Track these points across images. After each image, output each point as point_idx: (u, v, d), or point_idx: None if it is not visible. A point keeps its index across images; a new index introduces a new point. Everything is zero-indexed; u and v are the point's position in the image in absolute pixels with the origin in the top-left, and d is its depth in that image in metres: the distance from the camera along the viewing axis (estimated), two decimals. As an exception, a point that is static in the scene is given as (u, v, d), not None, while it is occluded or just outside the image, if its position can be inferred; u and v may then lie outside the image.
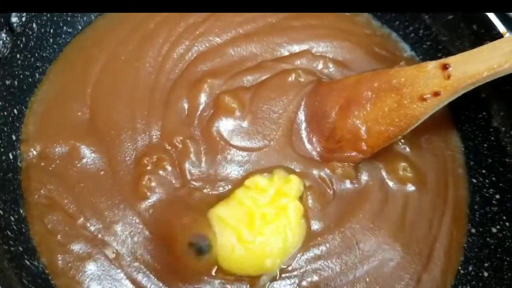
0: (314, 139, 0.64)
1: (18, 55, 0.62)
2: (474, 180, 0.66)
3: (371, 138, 0.60)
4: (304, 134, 0.65)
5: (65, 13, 0.69)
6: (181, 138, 0.63)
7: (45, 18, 0.66)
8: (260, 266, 0.57)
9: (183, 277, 0.57)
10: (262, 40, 0.70)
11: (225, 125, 0.65)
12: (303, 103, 0.66)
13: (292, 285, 0.58)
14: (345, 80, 0.65)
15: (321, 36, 0.72)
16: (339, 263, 0.60)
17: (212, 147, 0.63)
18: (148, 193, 0.60)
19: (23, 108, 0.64)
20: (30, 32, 0.63)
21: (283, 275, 0.58)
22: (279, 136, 0.65)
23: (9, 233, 0.55)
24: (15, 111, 0.62)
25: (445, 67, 0.55)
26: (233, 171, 0.63)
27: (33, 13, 0.63)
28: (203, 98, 0.66)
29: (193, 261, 0.57)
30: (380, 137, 0.60)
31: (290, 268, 0.59)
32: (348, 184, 0.63)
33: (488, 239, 0.62)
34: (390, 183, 0.64)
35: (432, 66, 0.56)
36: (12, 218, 0.57)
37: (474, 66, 0.54)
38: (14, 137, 0.62)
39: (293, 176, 0.61)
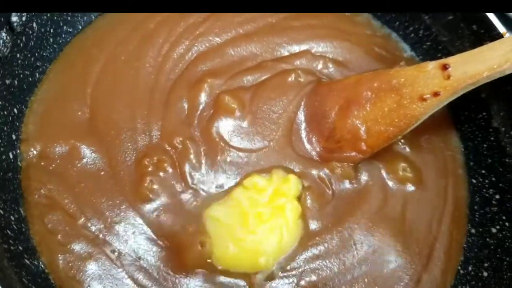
0: (313, 139, 0.64)
1: (18, 55, 0.62)
2: (474, 181, 0.66)
3: (371, 138, 0.60)
4: (303, 134, 0.65)
5: (65, 13, 0.69)
6: (180, 138, 0.63)
7: (45, 17, 0.66)
8: (254, 263, 0.57)
9: (185, 276, 0.57)
10: (262, 40, 0.70)
11: (225, 126, 0.65)
12: (302, 103, 0.66)
13: (291, 285, 0.58)
14: (345, 80, 0.65)
15: (321, 36, 0.72)
16: (337, 263, 0.60)
17: (212, 148, 0.63)
18: (151, 195, 0.60)
19: (23, 107, 0.64)
20: (30, 32, 0.63)
21: (281, 275, 0.58)
22: (278, 136, 0.65)
23: (9, 232, 0.55)
24: (15, 110, 0.62)
25: (445, 67, 0.55)
26: (233, 172, 0.63)
27: (33, 13, 0.63)
28: (203, 98, 0.66)
29: (195, 261, 0.57)
30: (380, 137, 0.59)
31: (288, 267, 0.59)
32: (347, 184, 0.63)
33: (487, 239, 0.62)
34: (390, 183, 0.64)
35: (432, 66, 0.56)
36: (12, 218, 0.57)
37: (474, 67, 0.54)
38: (14, 137, 0.62)
39: (291, 176, 0.61)
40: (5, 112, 0.60)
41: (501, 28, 0.62)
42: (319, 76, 0.68)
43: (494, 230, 0.62)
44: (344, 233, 0.61)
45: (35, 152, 0.62)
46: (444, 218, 0.64)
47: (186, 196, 0.61)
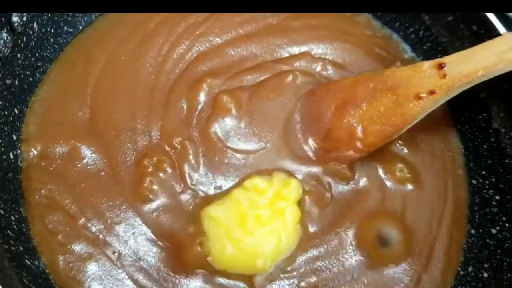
0: (310, 140, 0.64)
1: (19, 55, 0.62)
2: (474, 181, 0.66)
3: (367, 137, 0.60)
4: (300, 135, 0.65)
5: (65, 13, 0.69)
6: (180, 139, 0.63)
7: (46, 17, 0.66)
8: (251, 265, 0.57)
9: (185, 277, 0.57)
10: (262, 41, 0.70)
11: (223, 126, 0.64)
12: (299, 104, 0.66)
13: (291, 286, 0.58)
14: (342, 81, 0.65)
15: (321, 37, 0.72)
16: (337, 264, 0.60)
17: (210, 149, 0.63)
18: (150, 196, 0.60)
19: (23, 107, 0.64)
20: (31, 32, 0.63)
21: (282, 276, 0.59)
22: (275, 137, 0.65)
23: (9, 232, 0.55)
24: (16, 110, 0.62)
25: (440, 66, 0.55)
26: (231, 173, 0.63)
27: (34, 13, 0.63)
28: (202, 98, 0.66)
29: (195, 262, 0.57)
30: (376, 136, 0.59)
31: (289, 269, 0.59)
32: (345, 186, 0.63)
33: (487, 240, 0.62)
34: (388, 184, 0.64)
35: (427, 65, 0.56)
36: (12, 218, 0.57)
37: (469, 65, 0.54)
38: (14, 137, 0.62)
39: (292, 179, 0.61)
40: (6, 112, 0.60)
41: (501, 28, 0.61)
42: (317, 78, 0.68)
43: (494, 231, 0.62)
44: (343, 234, 0.61)
45: (35, 152, 0.62)
46: (444, 219, 0.64)
47: (185, 197, 0.61)
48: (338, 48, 0.71)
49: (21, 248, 0.55)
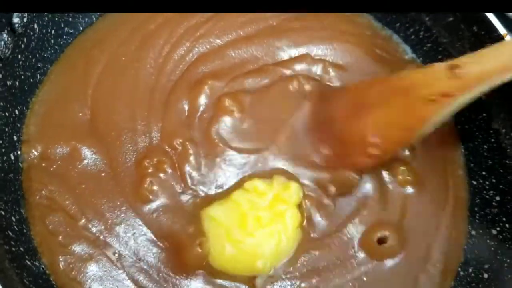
0: (320, 145, 0.63)
1: (19, 56, 0.62)
2: (474, 182, 0.66)
3: (381, 143, 0.58)
4: (309, 140, 0.64)
5: (66, 14, 0.69)
6: (180, 140, 0.63)
7: (46, 19, 0.66)
8: (251, 266, 0.57)
9: (185, 278, 0.57)
10: (262, 42, 0.70)
11: (225, 128, 0.64)
12: (306, 108, 0.65)
13: (292, 286, 0.58)
14: (354, 85, 0.64)
15: (321, 38, 0.71)
16: (338, 265, 0.60)
17: (211, 150, 0.63)
18: (151, 196, 0.60)
19: (24, 108, 0.64)
20: (32, 33, 0.64)
21: (283, 277, 0.59)
22: (279, 141, 0.64)
23: (10, 233, 0.55)
24: (16, 111, 0.62)
25: (455, 67, 0.53)
26: (232, 174, 0.63)
27: (34, 14, 0.63)
28: (203, 100, 0.66)
29: (195, 262, 0.57)
30: (390, 141, 0.58)
31: (290, 269, 0.59)
32: (350, 192, 0.63)
33: (488, 241, 0.62)
34: (390, 187, 0.64)
35: (442, 67, 0.54)
36: (13, 219, 0.57)
37: (484, 66, 0.52)
38: (15, 138, 0.62)
39: (293, 183, 0.61)
40: (6, 113, 0.61)
41: (501, 29, 0.62)
42: (320, 82, 0.68)
43: (494, 232, 0.62)
44: (344, 237, 0.61)
45: (36, 153, 0.62)
46: (444, 220, 0.63)
47: (185, 197, 0.61)
48: (338, 49, 0.71)
49: (21, 249, 0.55)
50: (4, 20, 0.58)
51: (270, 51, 0.70)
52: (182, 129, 0.64)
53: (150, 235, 0.59)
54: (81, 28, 0.72)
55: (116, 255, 0.58)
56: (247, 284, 0.58)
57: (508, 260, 0.59)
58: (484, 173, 0.65)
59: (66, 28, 0.70)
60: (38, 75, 0.66)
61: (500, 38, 0.61)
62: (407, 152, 0.66)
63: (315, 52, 0.71)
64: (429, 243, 0.62)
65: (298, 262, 0.59)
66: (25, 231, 0.58)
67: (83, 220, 0.59)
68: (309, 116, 0.65)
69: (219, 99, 0.65)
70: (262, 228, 0.57)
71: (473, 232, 0.64)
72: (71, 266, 0.56)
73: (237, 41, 0.70)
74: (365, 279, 0.60)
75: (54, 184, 0.60)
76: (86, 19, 0.72)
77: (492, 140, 0.64)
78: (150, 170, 0.61)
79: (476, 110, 0.66)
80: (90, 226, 0.59)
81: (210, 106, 0.65)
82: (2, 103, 0.60)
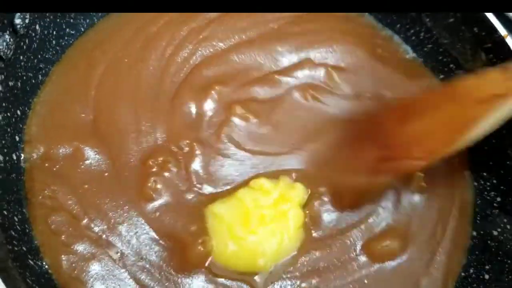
0: (352, 151, 0.63)
1: (21, 57, 0.62)
2: (476, 183, 0.66)
3: (432, 146, 0.55)
4: (335, 147, 0.64)
5: (67, 15, 0.69)
6: (188, 141, 0.63)
7: (48, 20, 0.66)
8: (252, 264, 0.57)
9: (187, 276, 0.57)
10: (264, 47, 0.71)
11: (237, 132, 0.65)
12: (341, 122, 0.65)
13: (293, 286, 0.58)
14: (400, 101, 0.63)
15: (321, 41, 0.72)
16: (339, 267, 0.60)
17: (221, 151, 0.64)
18: (154, 195, 0.60)
19: (26, 109, 0.64)
20: (33, 34, 0.64)
21: (284, 276, 0.59)
22: (303, 147, 0.64)
23: (13, 233, 0.55)
24: (18, 112, 0.63)
25: (507, 70, 0.52)
26: (241, 174, 0.63)
27: (36, 15, 0.63)
28: (211, 104, 0.66)
29: (197, 261, 0.57)
30: (442, 144, 0.56)
31: (291, 269, 0.59)
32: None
33: (489, 242, 0.62)
34: (403, 193, 0.64)
35: (496, 71, 0.53)
36: (15, 218, 0.57)
37: None
38: (17, 138, 0.62)
39: (298, 184, 0.61)
40: (8, 114, 0.61)
41: (502, 30, 0.62)
42: (327, 90, 0.68)
43: (495, 233, 0.62)
44: (346, 240, 0.61)
45: (38, 153, 0.62)
46: (451, 223, 0.63)
47: (189, 196, 0.61)
48: (338, 51, 0.71)
49: (24, 248, 0.55)
50: (6, 21, 0.58)
51: (272, 57, 0.70)
52: (188, 131, 0.64)
53: (152, 234, 0.59)
54: (82, 29, 0.72)
55: (119, 254, 0.58)
56: (248, 283, 0.58)
57: (509, 261, 0.59)
58: (485, 174, 0.65)
59: (67, 29, 0.70)
60: (39, 75, 0.66)
61: (501, 39, 0.61)
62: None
63: (316, 55, 0.71)
64: (434, 247, 0.62)
65: (299, 262, 0.59)
66: (27, 230, 0.58)
67: (85, 220, 0.59)
68: (345, 129, 0.65)
69: (230, 106, 0.65)
70: (265, 226, 0.57)
71: (474, 233, 0.64)
72: (73, 265, 0.56)
73: (239, 45, 0.71)
74: (366, 281, 0.59)
75: (57, 184, 0.60)
76: (87, 20, 0.72)
77: (494, 141, 0.64)
78: (154, 170, 0.61)
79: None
80: (92, 225, 0.59)
81: (219, 111, 0.66)
82: (4, 104, 0.60)
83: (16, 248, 0.54)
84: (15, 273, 0.51)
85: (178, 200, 0.60)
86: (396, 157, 0.58)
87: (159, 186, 0.60)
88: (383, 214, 0.63)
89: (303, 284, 0.59)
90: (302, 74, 0.69)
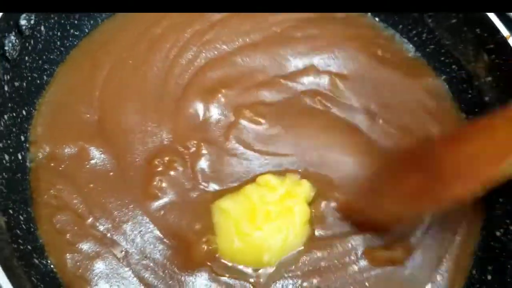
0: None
1: (26, 57, 0.63)
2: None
3: (482, 169, 0.50)
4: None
5: (72, 17, 0.70)
6: (195, 141, 0.64)
7: (52, 21, 0.66)
8: (258, 259, 0.58)
9: (191, 275, 0.57)
10: (268, 51, 0.71)
11: (247, 133, 0.65)
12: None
13: (294, 285, 0.58)
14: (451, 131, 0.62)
15: (323, 47, 0.72)
16: (340, 268, 0.60)
17: (228, 151, 0.64)
18: (159, 194, 0.60)
19: (31, 109, 0.64)
20: (38, 35, 0.64)
21: (285, 275, 0.59)
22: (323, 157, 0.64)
23: (18, 232, 0.55)
24: (24, 112, 0.63)
25: None
26: (248, 172, 0.63)
27: (41, 16, 0.63)
28: (218, 107, 0.66)
29: (201, 260, 0.58)
30: (495, 167, 0.49)
31: (292, 268, 0.59)
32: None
33: (491, 242, 0.62)
34: None
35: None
36: (21, 218, 0.57)
37: None
38: (22, 138, 0.62)
39: (304, 180, 0.61)
40: (14, 114, 0.61)
41: (504, 31, 0.62)
42: (335, 99, 0.68)
43: (498, 234, 0.62)
44: (351, 242, 0.61)
45: (44, 153, 0.62)
46: (460, 231, 0.63)
47: (194, 194, 0.61)
48: (340, 57, 0.72)
49: (29, 247, 0.56)
50: (11, 22, 0.59)
51: (276, 60, 0.71)
52: (195, 132, 0.64)
53: (156, 232, 0.59)
54: (86, 31, 0.72)
55: (123, 253, 0.58)
56: (250, 282, 0.58)
57: (512, 262, 0.59)
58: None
59: (72, 30, 0.70)
60: (44, 76, 0.67)
61: (503, 39, 0.61)
62: None
63: (320, 62, 0.71)
64: (441, 255, 0.62)
65: (301, 261, 0.59)
66: (32, 229, 0.58)
67: (90, 219, 0.59)
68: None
69: (238, 109, 0.66)
70: (271, 222, 0.57)
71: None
72: (78, 264, 0.57)
73: (243, 48, 0.71)
74: (367, 284, 0.59)
75: (62, 183, 0.60)
76: (92, 22, 0.73)
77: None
78: (160, 169, 0.61)
79: (480, 113, 0.67)
80: (97, 224, 0.59)
81: (227, 113, 0.66)
82: (9, 104, 0.60)
83: (21, 247, 0.55)
84: (20, 272, 0.52)
85: (183, 199, 0.61)
86: (441, 184, 0.53)
87: (164, 185, 0.61)
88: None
89: (304, 284, 0.59)
90: (308, 81, 0.70)
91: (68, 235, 0.58)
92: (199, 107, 0.66)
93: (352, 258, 0.60)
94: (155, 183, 0.61)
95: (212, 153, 0.64)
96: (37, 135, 0.63)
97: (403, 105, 0.69)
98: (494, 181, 0.49)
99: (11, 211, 0.56)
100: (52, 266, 0.57)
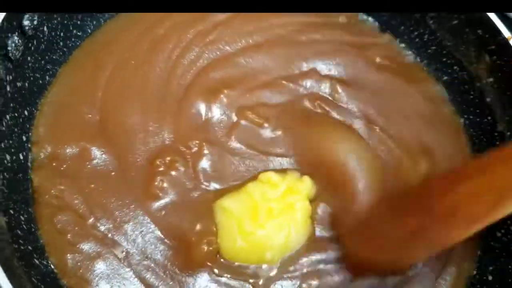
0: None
1: (29, 58, 0.63)
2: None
3: (479, 210, 0.48)
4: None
5: (75, 17, 0.70)
6: (197, 141, 0.64)
7: (55, 21, 0.66)
8: (260, 257, 0.58)
9: (191, 275, 0.58)
10: (271, 52, 0.71)
11: (249, 134, 0.65)
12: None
13: (294, 286, 0.58)
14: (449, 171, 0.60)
15: (325, 52, 0.72)
16: (340, 271, 0.60)
17: (231, 151, 0.64)
18: (160, 194, 0.60)
19: (33, 110, 0.65)
20: (41, 35, 0.64)
21: (284, 276, 0.59)
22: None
23: (19, 232, 0.55)
24: (26, 112, 0.63)
25: None
26: (249, 171, 0.63)
27: (44, 17, 0.63)
28: (220, 107, 0.67)
29: (202, 260, 0.58)
30: (492, 208, 0.47)
31: (291, 268, 0.59)
32: None
33: (492, 243, 0.62)
34: None
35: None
36: (22, 218, 0.57)
37: None
38: (24, 138, 0.62)
39: (306, 177, 0.62)
40: (16, 114, 0.61)
41: (506, 32, 0.62)
42: (334, 104, 0.68)
43: (498, 234, 0.62)
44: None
45: (45, 153, 0.62)
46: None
47: (195, 194, 0.61)
48: (341, 63, 0.72)
49: (30, 248, 0.56)
50: (14, 22, 0.59)
51: (278, 62, 0.71)
52: (197, 132, 0.65)
53: (157, 232, 0.59)
54: (89, 31, 0.72)
55: (124, 253, 0.58)
56: (251, 283, 0.58)
57: (513, 262, 0.59)
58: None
59: (74, 31, 0.70)
60: (47, 76, 0.67)
61: (505, 41, 0.61)
62: None
63: (321, 66, 0.71)
64: (445, 260, 0.61)
65: (300, 262, 0.59)
66: (33, 230, 0.58)
67: (91, 219, 0.59)
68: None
69: (240, 110, 0.66)
70: (273, 219, 0.57)
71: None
72: (79, 264, 0.57)
73: (246, 49, 0.71)
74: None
75: (64, 183, 0.60)
76: (94, 22, 0.73)
77: (497, 143, 0.65)
78: (161, 169, 0.61)
79: (481, 113, 0.67)
80: (98, 224, 0.59)
81: (229, 114, 0.66)
82: (11, 104, 0.60)
83: (22, 247, 0.55)
84: (20, 272, 0.52)
85: (185, 199, 0.61)
86: (436, 225, 0.51)
87: (165, 185, 0.61)
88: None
89: (304, 285, 0.59)
90: (309, 84, 0.70)
91: (69, 235, 0.58)
92: (201, 108, 0.67)
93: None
94: (156, 183, 0.61)
95: (214, 153, 0.64)
96: (39, 135, 0.63)
97: (401, 111, 0.69)
98: (490, 222, 0.48)
99: (12, 211, 0.56)
100: (52, 266, 0.57)
